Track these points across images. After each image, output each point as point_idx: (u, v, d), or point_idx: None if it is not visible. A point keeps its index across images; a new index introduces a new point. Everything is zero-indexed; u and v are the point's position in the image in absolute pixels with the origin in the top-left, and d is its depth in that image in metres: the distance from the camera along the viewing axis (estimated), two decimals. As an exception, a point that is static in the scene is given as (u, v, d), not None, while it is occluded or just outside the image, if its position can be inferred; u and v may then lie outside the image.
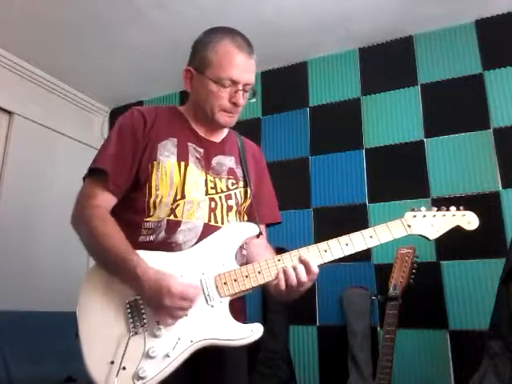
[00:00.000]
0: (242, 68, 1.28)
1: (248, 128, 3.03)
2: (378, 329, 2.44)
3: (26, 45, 2.85)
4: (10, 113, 2.97)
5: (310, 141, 2.94)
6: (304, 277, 1.14)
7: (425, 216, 1.25)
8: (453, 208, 1.28)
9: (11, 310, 2.42)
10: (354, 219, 2.58)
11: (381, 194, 2.62)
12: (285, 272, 1.15)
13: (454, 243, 2.37)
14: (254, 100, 1.37)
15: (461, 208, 1.29)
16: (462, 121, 2.54)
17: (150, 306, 1.10)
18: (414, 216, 1.25)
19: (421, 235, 1.25)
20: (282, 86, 3.11)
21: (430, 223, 1.25)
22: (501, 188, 2.38)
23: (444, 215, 1.27)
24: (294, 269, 1.14)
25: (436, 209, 1.27)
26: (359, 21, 2.66)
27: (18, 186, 2.93)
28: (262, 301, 2.72)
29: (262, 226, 1.43)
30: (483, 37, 2.60)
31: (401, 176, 2.61)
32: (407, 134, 2.68)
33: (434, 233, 1.25)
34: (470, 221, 1.27)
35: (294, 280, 1.13)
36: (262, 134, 3.07)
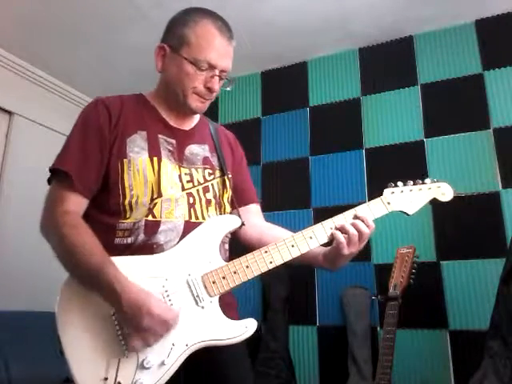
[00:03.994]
0: (221, 52, 1.20)
1: (248, 128, 3.04)
2: (378, 329, 2.44)
3: (26, 45, 2.85)
4: (10, 113, 2.97)
5: (309, 141, 2.94)
6: (366, 229, 1.15)
7: (402, 192, 1.26)
8: (428, 180, 1.28)
9: (11, 310, 2.42)
10: (354, 219, 2.59)
11: (380, 194, 2.61)
12: (343, 230, 1.15)
13: (454, 243, 2.38)
14: (228, 89, 1.29)
15: (435, 180, 1.29)
16: (462, 121, 2.54)
17: (125, 323, 1.02)
18: (392, 192, 1.26)
19: (400, 211, 1.26)
20: (282, 85, 3.11)
21: (408, 198, 1.26)
22: (501, 188, 2.38)
23: (420, 189, 1.27)
24: (353, 225, 1.15)
25: (412, 182, 1.28)
26: (359, 21, 2.66)
27: (18, 186, 2.92)
28: (262, 300, 2.72)
29: (256, 205, 1.40)
30: (483, 37, 2.61)
31: (401, 176, 2.58)
32: (407, 133, 2.68)
33: (412, 208, 1.25)
34: (444, 192, 1.27)
35: (355, 235, 1.14)
36: (262, 134, 3.07)
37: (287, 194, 2.86)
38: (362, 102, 2.85)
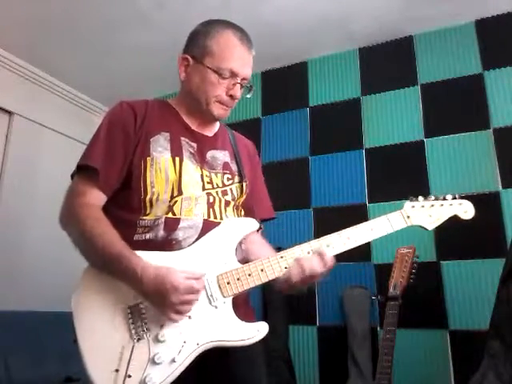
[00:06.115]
0: (243, 61, 1.27)
1: (248, 128, 3.04)
2: (378, 329, 2.44)
3: (26, 45, 2.85)
4: (10, 113, 2.97)
5: (310, 141, 2.94)
6: (320, 268, 1.13)
7: (423, 206, 1.25)
8: (449, 196, 1.27)
9: (11, 310, 2.42)
10: (354, 219, 2.58)
11: (381, 193, 2.62)
12: (299, 264, 1.13)
13: (454, 243, 2.38)
14: (249, 96, 1.34)
15: (457, 196, 1.28)
16: (462, 121, 2.54)
17: (154, 304, 1.06)
18: (413, 206, 1.25)
19: (419, 226, 1.25)
20: (282, 85, 3.11)
21: (428, 213, 1.25)
22: (501, 188, 2.39)
23: (442, 205, 1.26)
24: (310, 260, 1.13)
25: (433, 198, 1.27)
26: (359, 21, 2.66)
27: (18, 186, 2.93)
28: (262, 299, 2.72)
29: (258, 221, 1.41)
30: (483, 37, 2.61)
31: (401, 176, 2.61)
32: (407, 134, 2.68)
33: (432, 223, 1.25)
34: (466, 210, 1.27)
35: (307, 271, 1.12)
36: (262, 134, 3.07)
37: (287, 194, 2.86)
38: (362, 102, 2.85)
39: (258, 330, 1.11)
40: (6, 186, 2.87)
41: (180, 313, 1.05)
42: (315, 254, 1.14)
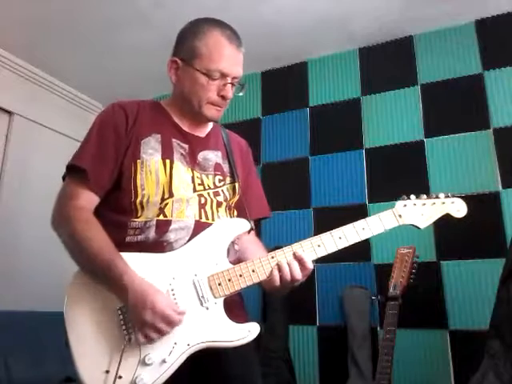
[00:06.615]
0: (232, 60, 1.24)
1: (248, 128, 3.04)
2: (378, 329, 2.44)
3: (26, 45, 2.85)
4: (10, 113, 2.97)
5: (309, 141, 2.94)
6: (298, 273, 1.13)
7: (415, 205, 1.24)
8: (442, 195, 1.27)
9: (11, 310, 2.42)
10: (353, 219, 2.57)
11: (381, 193, 2.62)
12: (279, 268, 1.13)
13: (454, 243, 2.38)
14: (241, 94, 1.33)
15: (449, 195, 1.28)
16: (462, 121, 2.54)
17: (130, 315, 1.05)
18: (405, 205, 1.24)
19: (411, 225, 1.24)
20: (282, 85, 3.11)
21: (420, 212, 1.24)
22: (501, 188, 2.39)
23: (434, 203, 1.26)
24: (289, 265, 1.13)
25: (425, 196, 1.27)
26: (359, 21, 2.66)
27: (18, 186, 2.92)
28: (262, 300, 2.72)
29: (252, 222, 1.39)
30: (483, 37, 2.61)
31: (401, 176, 2.61)
32: (407, 134, 2.68)
33: (424, 222, 1.24)
34: (458, 208, 1.27)
35: (288, 276, 1.12)
36: (262, 134, 3.07)
37: (287, 194, 2.86)
38: (362, 102, 2.85)
39: (249, 331, 1.11)
40: (6, 186, 2.86)
41: (146, 336, 1.03)
42: (295, 260, 1.14)
